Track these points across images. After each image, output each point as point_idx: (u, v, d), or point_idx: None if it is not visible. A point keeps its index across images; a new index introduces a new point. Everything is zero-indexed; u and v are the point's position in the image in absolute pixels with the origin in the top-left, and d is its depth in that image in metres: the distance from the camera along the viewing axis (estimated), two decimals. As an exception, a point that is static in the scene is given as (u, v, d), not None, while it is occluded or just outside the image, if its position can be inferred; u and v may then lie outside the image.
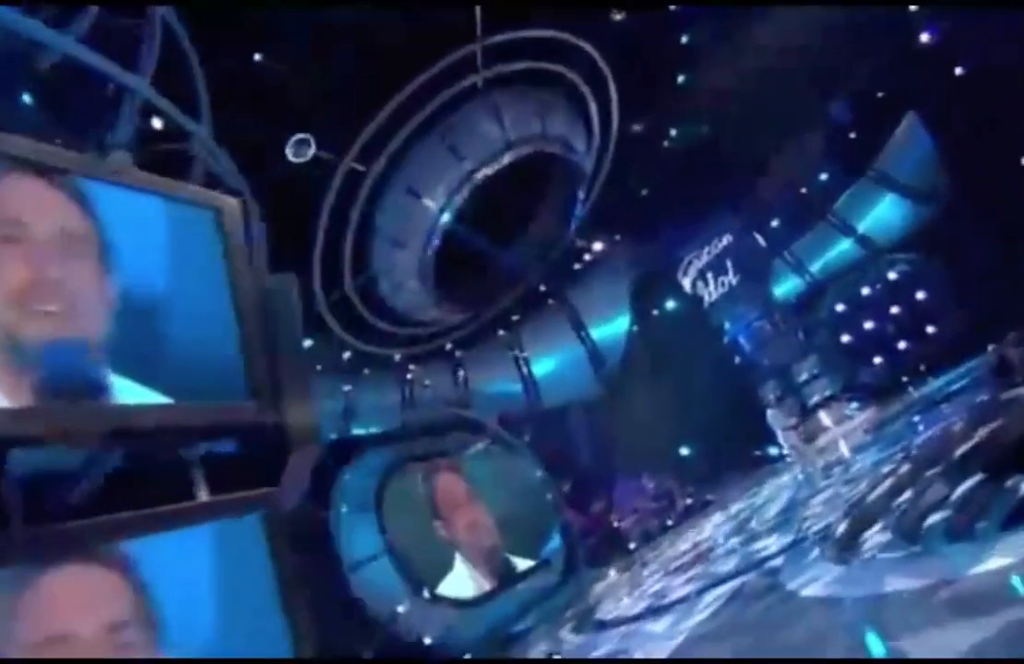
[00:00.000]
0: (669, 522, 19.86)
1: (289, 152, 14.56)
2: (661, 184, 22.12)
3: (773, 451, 19.39)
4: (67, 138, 4.08)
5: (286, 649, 3.35)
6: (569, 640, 12.14)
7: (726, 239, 24.62)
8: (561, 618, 13.93)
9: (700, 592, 9.56)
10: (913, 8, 19.42)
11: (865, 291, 24.51)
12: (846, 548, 8.07)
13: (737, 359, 24.66)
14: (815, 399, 22.37)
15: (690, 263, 24.98)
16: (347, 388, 19.52)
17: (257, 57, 13.25)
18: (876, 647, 4.78)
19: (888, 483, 9.97)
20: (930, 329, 23.20)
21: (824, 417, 21.82)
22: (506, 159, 16.82)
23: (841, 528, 8.88)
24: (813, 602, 6.61)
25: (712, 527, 16.20)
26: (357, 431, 18.72)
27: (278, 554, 3.44)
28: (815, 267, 25.93)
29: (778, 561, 9.04)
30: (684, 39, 18.53)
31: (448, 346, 22.08)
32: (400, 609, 13.73)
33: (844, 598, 6.29)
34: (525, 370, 24.25)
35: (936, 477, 9.39)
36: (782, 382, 23.01)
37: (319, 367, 18.97)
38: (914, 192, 23.86)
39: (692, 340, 24.84)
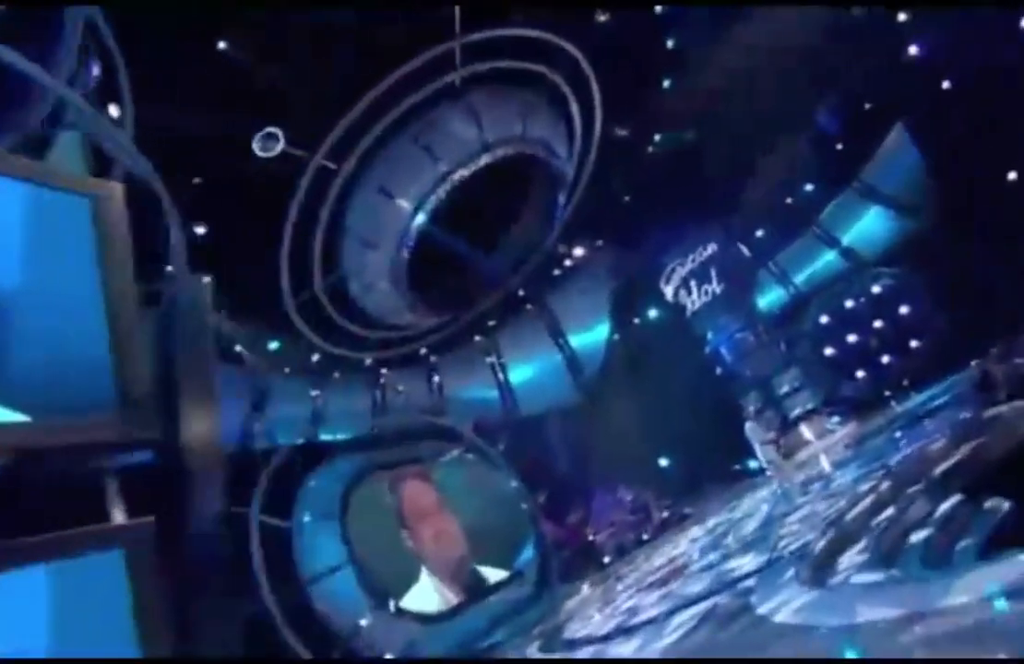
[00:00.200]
0: (645, 536, 19.47)
1: (256, 146, 14.03)
2: (644, 190, 21.82)
3: (753, 464, 19.06)
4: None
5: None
6: (536, 658, 11.80)
7: (711, 248, 24.33)
8: (529, 634, 13.57)
9: (670, 613, 9.29)
10: (902, 18, 19.25)
11: (849, 304, 24.33)
12: (821, 569, 7.81)
13: (718, 370, 24.34)
14: (796, 412, 22.09)
15: (673, 270, 24.65)
16: (315, 392, 18.98)
17: (221, 45, 12.74)
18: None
19: (868, 500, 9.73)
20: (913, 343, 23.05)
21: (805, 431, 21.54)
22: (483, 161, 16.40)
23: (818, 547, 8.62)
24: (784, 629, 6.34)
25: (688, 542, 15.85)
26: (326, 437, 18.21)
27: (141, 597, 2.90)
28: (799, 278, 25.70)
29: (751, 581, 8.73)
30: (670, 43, 18.25)
31: (422, 351, 21.58)
32: (363, 623, 13.32)
33: (816, 626, 6.02)
34: (502, 377, 23.79)
35: (918, 494, 9.18)
36: (763, 394, 22.73)
37: (287, 369, 18.48)
38: (900, 205, 23.73)
39: (673, 350, 24.50)
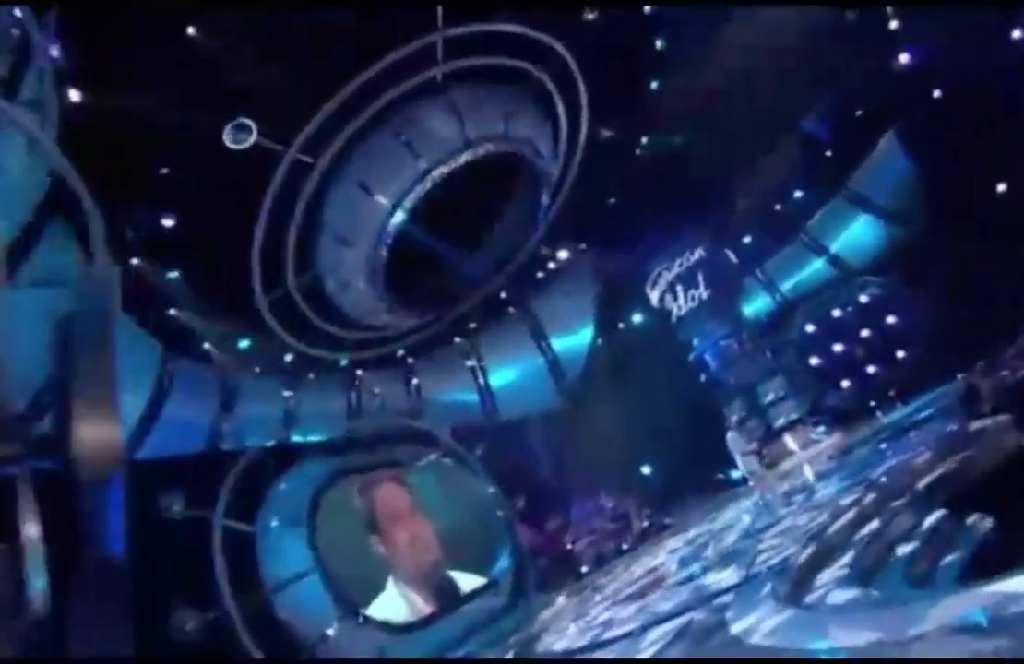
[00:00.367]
0: (625, 546, 19.12)
1: (227, 138, 13.57)
2: (631, 193, 21.48)
3: (736, 474, 18.79)
4: None
5: None
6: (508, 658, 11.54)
7: (698, 253, 24.06)
8: (504, 644, 13.24)
9: (645, 628, 9.01)
10: (893, 26, 19.06)
11: (835, 313, 24.04)
12: (799, 585, 7.52)
13: (703, 377, 24.03)
14: (780, 422, 21.81)
15: (660, 275, 24.34)
16: (288, 393, 18.53)
17: (191, 31, 12.29)
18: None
19: (851, 514, 9.48)
20: (900, 354, 22.80)
21: (789, 441, 21.27)
22: (464, 158, 16.02)
23: (799, 561, 8.34)
24: (755, 651, 6.01)
25: (667, 553, 15.51)
26: (298, 439, 17.77)
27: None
28: (786, 286, 25.42)
29: (727, 597, 8.42)
30: (659, 44, 17.97)
31: (400, 352, 21.16)
32: (329, 632, 12.89)
33: (786, 649, 5.69)
34: (482, 380, 23.35)
35: (902, 508, 8.95)
36: (747, 403, 22.44)
37: (257, 369, 18.01)
38: (888, 214, 23.57)
39: (658, 356, 24.20)
